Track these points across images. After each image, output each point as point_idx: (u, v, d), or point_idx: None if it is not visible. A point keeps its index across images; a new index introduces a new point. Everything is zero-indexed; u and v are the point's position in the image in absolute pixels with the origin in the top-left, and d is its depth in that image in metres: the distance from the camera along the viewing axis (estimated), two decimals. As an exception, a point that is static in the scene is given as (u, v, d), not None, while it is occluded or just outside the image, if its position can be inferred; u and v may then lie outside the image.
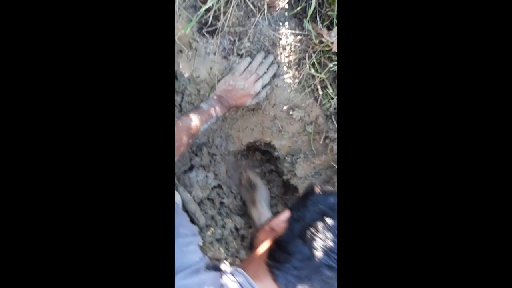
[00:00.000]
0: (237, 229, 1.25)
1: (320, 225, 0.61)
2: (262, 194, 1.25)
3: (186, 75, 1.08)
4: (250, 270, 0.67)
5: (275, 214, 1.39)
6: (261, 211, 1.23)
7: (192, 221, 1.19)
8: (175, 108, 1.19)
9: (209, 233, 1.17)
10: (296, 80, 1.08)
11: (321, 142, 1.17)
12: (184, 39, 1.02)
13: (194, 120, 0.96)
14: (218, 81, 1.06)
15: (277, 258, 0.63)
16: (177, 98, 1.17)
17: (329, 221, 0.61)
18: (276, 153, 1.30)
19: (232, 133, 1.28)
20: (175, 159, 0.92)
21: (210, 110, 1.00)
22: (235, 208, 1.31)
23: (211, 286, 0.59)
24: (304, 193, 0.71)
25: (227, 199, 1.29)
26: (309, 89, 1.09)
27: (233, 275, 0.63)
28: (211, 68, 1.06)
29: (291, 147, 1.27)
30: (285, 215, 0.69)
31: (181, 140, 0.93)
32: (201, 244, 0.66)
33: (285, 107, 1.14)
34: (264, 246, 0.69)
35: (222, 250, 1.12)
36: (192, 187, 1.21)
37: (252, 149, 1.43)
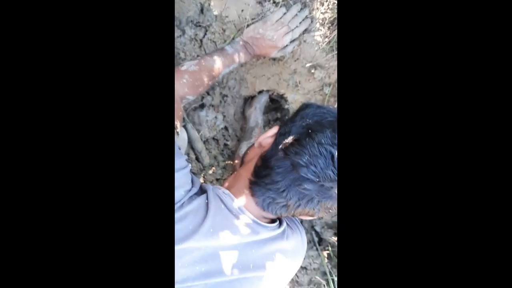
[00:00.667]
0: (236, 172, 1.31)
1: (303, 138, 0.60)
2: (260, 99, 1.27)
3: (215, 12, 1.02)
4: (234, 187, 0.71)
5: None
6: (253, 112, 1.26)
7: (197, 159, 1.22)
8: (195, 44, 1.15)
9: (210, 171, 1.22)
10: (326, 40, 1.05)
11: (335, 105, 1.18)
12: (222, -26, 0.96)
13: (217, 62, 0.94)
14: (247, 26, 1.02)
15: (260, 173, 0.65)
16: (200, 33, 1.13)
17: (313, 134, 0.60)
18: (286, 106, 1.31)
19: (247, 78, 1.26)
20: (193, 97, 0.92)
21: (234, 54, 0.98)
22: (236, 152, 1.35)
23: (196, 212, 0.63)
24: (297, 109, 0.72)
25: (231, 142, 1.32)
26: (336, 52, 1.06)
27: (219, 196, 0.67)
28: (242, 11, 1.01)
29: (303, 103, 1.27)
30: (273, 130, 0.70)
31: (202, 80, 0.92)
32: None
33: (308, 64, 1.12)
34: (251, 162, 0.71)
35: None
36: (201, 125, 1.22)
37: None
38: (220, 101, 1.29)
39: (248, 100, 1.33)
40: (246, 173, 0.70)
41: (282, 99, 1.31)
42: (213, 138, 1.30)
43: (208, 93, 1.26)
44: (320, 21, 1.02)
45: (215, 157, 1.28)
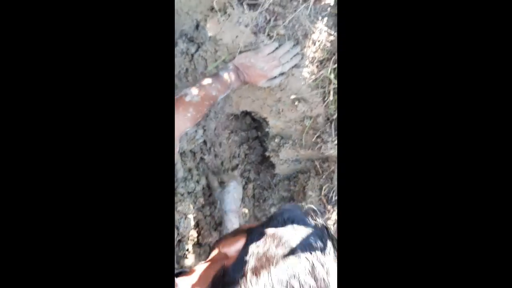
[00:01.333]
0: (209, 187, 1.32)
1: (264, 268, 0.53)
2: (230, 199, 1.16)
3: (210, 34, 1.04)
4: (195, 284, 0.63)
5: (247, 180, 1.47)
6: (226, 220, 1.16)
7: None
8: (186, 57, 1.15)
9: (182, 185, 1.23)
10: (313, 77, 1.08)
11: (313, 139, 1.22)
12: (221, 1, 0.97)
13: (216, 90, 0.95)
14: (240, 52, 1.03)
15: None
16: (192, 48, 1.13)
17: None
18: (267, 129, 1.34)
19: (233, 97, 1.28)
20: (191, 126, 0.92)
21: (228, 80, 0.99)
22: (212, 167, 1.36)
23: None
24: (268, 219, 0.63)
25: (208, 156, 1.34)
26: (322, 90, 1.10)
27: None
28: (236, 37, 1.02)
29: (283, 130, 1.30)
30: (240, 243, 0.61)
31: (203, 110, 0.92)
32: None
33: (292, 96, 1.15)
34: (214, 264, 0.64)
35: (191, 206, 1.19)
36: (180, 137, 1.23)
37: (245, 112, 1.45)
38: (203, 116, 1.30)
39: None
40: (206, 277, 0.63)
41: (264, 122, 1.33)
42: (190, 151, 1.31)
43: (191, 106, 1.27)
44: (310, 59, 1.05)
45: (189, 170, 1.29)
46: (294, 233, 0.56)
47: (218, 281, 0.59)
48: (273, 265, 0.53)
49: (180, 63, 1.17)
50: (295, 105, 1.16)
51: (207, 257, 0.70)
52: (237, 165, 1.48)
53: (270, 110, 1.25)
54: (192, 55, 1.15)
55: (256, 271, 0.54)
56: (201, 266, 0.68)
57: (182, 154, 1.28)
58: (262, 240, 0.58)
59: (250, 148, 1.51)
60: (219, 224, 1.33)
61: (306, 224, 0.59)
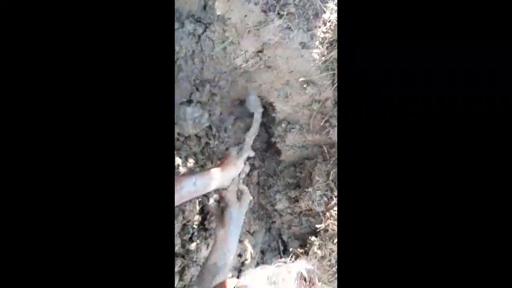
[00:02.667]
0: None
1: None
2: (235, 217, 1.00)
3: (218, 12, 1.01)
4: None
5: (252, 166, 1.45)
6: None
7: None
8: (193, 39, 1.13)
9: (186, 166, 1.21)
10: (323, 59, 1.06)
11: (321, 123, 1.20)
12: (231, -23, 0.94)
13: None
14: (248, 31, 1.01)
15: None
16: (199, 29, 1.11)
17: None
18: (273, 114, 1.32)
19: (240, 81, 1.26)
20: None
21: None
22: (217, 152, 1.34)
23: None
24: None
25: (213, 141, 1.32)
26: (331, 72, 1.08)
27: None
28: (245, 16, 1.00)
29: (290, 115, 1.28)
30: None
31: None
32: None
33: (301, 78, 1.13)
34: None
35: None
36: (186, 121, 1.21)
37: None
38: (208, 99, 1.28)
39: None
40: None
41: (271, 107, 1.31)
42: (196, 135, 1.29)
43: (197, 89, 1.25)
44: (320, 40, 1.03)
45: (194, 155, 1.27)
46: None
47: None
48: None
49: (186, 44, 1.14)
50: (304, 87, 1.14)
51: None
52: (249, 157, 1.46)
53: (277, 94, 1.23)
54: (199, 36, 1.13)
55: None
56: None
57: (187, 138, 1.26)
58: None
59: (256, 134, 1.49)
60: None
61: None
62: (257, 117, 1.27)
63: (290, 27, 1.01)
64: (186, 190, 0.81)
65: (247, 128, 1.45)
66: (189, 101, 1.24)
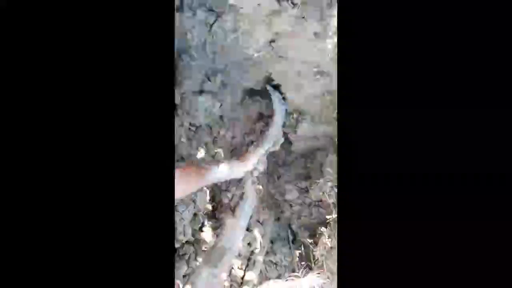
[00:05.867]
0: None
1: None
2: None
3: (231, 1, 1.00)
4: None
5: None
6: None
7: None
8: (205, 28, 1.12)
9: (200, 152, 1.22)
10: (336, 49, 1.04)
11: (333, 114, 1.19)
12: (245, -35, 0.93)
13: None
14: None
15: None
16: (211, 18, 1.10)
17: None
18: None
19: (252, 70, 1.25)
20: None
21: None
22: (227, 142, 1.35)
23: None
24: None
25: (225, 132, 1.32)
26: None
27: None
28: (258, 5, 0.99)
29: (301, 105, 1.27)
30: None
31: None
32: None
33: (315, 69, 1.11)
34: None
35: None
36: (197, 111, 1.21)
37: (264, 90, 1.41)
38: (219, 88, 1.28)
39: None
40: None
41: (282, 98, 1.30)
42: (207, 125, 1.29)
43: (209, 79, 1.24)
44: (334, 30, 1.01)
45: (206, 144, 1.28)
46: None
47: None
48: None
49: (198, 33, 1.14)
50: (316, 78, 1.13)
51: None
52: (253, 141, 1.46)
53: (290, 84, 1.22)
54: (211, 26, 1.12)
55: None
56: None
57: (199, 128, 1.26)
58: None
59: (266, 124, 1.49)
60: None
61: None
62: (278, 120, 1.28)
63: (303, 17, 0.99)
64: (213, 176, 0.96)
65: (258, 119, 1.45)
66: (201, 91, 1.24)
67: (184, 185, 0.87)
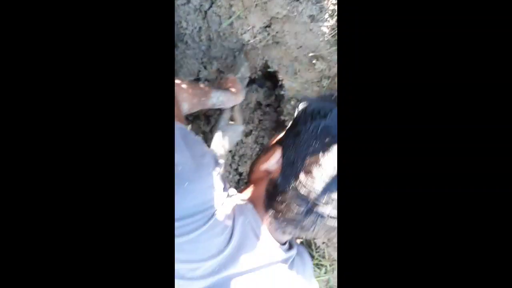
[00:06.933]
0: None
1: (314, 166, 0.57)
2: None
3: (225, -14, 0.99)
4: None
5: (261, 146, 1.45)
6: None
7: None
8: (199, 15, 1.11)
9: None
10: (333, 32, 1.03)
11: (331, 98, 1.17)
12: None
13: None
14: (256, 5, 0.99)
15: (274, 202, 0.63)
16: (205, 4, 1.09)
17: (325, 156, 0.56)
18: (282, 92, 1.30)
19: (248, 58, 1.24)
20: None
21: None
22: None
23: (222, 232, 0.61)
24: (296, 116, 0.67)
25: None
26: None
27: (247, 220, 0.65)
28: (252, -11, 0.98)
29: (299, 92, 1.26)
30: (277, 154, 0.66)
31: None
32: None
33: (310, 54, 1.10)
34: (260, 185, 0.69)
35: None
36: (194, 99, 1.20)
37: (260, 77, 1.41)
38: (216, 77, 1.27)
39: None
40: (258, 195, 0.68)
41: (278, 87, 1.29)
42: (204, 114, 1.28)
43: (205, 67, 1.23)
44: (330, 12, 1.00)
45: (203, 133, 1.27)
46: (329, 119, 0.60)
47: (272, 193, 0.63)
48: (320, 160, 0.56)
49: (193, 21, 1.13)
50: (313, 63, 1.12)
51: (247, 182, 0.75)
52: (251, 130, 1.45)
53: (286, 71, 1.21)
54: (206, 12, 1.11)
55: (307, 171, 0.57)
56: (248, 189, 0.72)
57: (196, 117, 1.25)
58: (300, 143, 0.61)
59: (264, 113, 1.48)
60: (238, 187, 1.32)
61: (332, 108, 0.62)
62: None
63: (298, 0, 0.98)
64: (211, 102, 0.94)
65: (256, 108, 1.44)
66: (197, 79, 1.23)
67: (190, 101, 0.86)
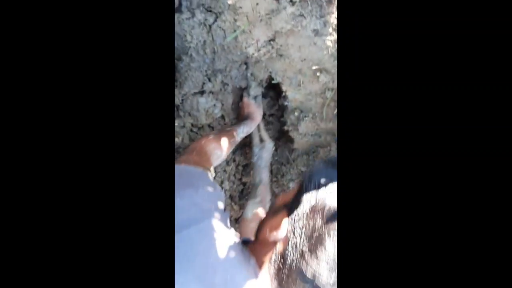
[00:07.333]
0: (228, 163, 1.31)
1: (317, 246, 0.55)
2: (263, 154, 1.30)
3: (229, 1, 1.00)
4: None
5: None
6: (255, 168, 1.29)
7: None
8: (204, 29, 1.12)
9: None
10: (336, 46, 1.04)
11: (334, 111, 1.19)
12: (242, -35, 0.93)
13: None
14: (260, 20, 1.00)
15: (278, 276, 0.60)
16: (210, 19, 1.10)
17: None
18: (286, 103, 1.31)
19: (253, 71, 1.25)
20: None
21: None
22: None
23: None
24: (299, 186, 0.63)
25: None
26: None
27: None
28: (257, 4, 0.99)
29: (303, 103, 1.27)
30: (283, 225, 0.63)
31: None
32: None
33: (314, 67, 1.11)
34: (267, 249, 0.65)
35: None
36: (198, 111, 1.21)
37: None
38: (220, 89, 1.28)
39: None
40: (263, 259, 0.66)
41: (283, 97, 1.30)
42: (209, 125, 1.29)
43: (209, 80, 1.24)
44: (333, 26, 1.01)
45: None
46: (333, 196, 0.56)
47: (278, 266, 0.61)
48: (326, 238, 0.54)
49: (197, 35, 1.14)
50: (316, 76, 1.13)
51: (255, 238, 0.72)
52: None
53: (290, 83, 1.22)
54: (210, 26, 1.12)
55: (312, 250, 0.55)
56: (254, 247, 0.70)
57: (201, 128, 1.26)
58: (306, 218, 0.58)
59: (268, 123, 1.49)
60: (242, 197, 1.34)
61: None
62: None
63: (302, 14, 0.99)
64: (239, 138, 1.06)
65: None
66: (202, 92, 1.24)
67: (221, 148, 0.94)
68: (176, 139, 1.17)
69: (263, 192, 1.20)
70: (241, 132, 1.07)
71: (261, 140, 1.26)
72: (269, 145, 1.26)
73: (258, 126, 1.25)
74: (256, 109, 1.21)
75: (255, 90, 1.26)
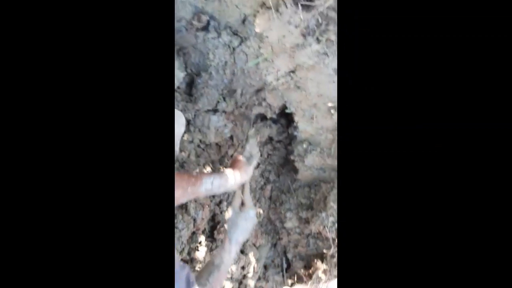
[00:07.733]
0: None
1: None
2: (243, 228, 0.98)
3: (257, 29, 1.02)
4: None
5: (266, 180, 1.45)
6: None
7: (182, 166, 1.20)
8: (228, 50, 1.14)
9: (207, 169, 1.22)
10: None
11: (343, 150, 1.19)
12: (275, -2, 0.95)
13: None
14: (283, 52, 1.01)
15: None
16: (235, 42, 1.12)
17: None
18: (295, 133, 1.31)
19: (267, 97, 1.26)
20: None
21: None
22: (235, 162, 1.35)
23: None
24: None
25: (233, 152, 1.32)
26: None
27: None
28: (284, 36, 1.00)
29: (313, 136, 1.28)
30: None
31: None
32: None
33: (330, 104, 1.12)
34: None
35: (208, 199, 1.18)
36: (209, 129, 1.21)
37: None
38: (233, 110, 1.29)
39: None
40: None
41: (293, 126, 1.31)
42: (216, 144, 1.30)
43: (224, 99, 1.25)
44: (355, 69, 1.03)
45: (212, 163, 1.28)
46: None
47: None
48: None
49: (220, 55, 1.15)
50: (331, 113, 1.14)
51: None
52: (259, 164, 1.46)
53: (303, 114, 1.23)
54: (234, 49, 1.14)
55: None
56: None
57: (208, 146, 1.27)
58: None
59: (274, 149, 1.49)
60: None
61: None
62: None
63: (326, 53, 1.00)
64: (204, 188, 0.85)
65: (267, 142, 1.45)
66: (215, 110, 1.25)
67: (177, 192, 0.78)
68: (183, 154, 1.17)
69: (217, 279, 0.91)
70: (209, 183, 0.86)
71: (242, 204, 1.00)
72: (251, 212, 0.98)
73: (243, 187, 1.01)
74: (243, 168, 0.99)
75: (251, 147, 1.15)
